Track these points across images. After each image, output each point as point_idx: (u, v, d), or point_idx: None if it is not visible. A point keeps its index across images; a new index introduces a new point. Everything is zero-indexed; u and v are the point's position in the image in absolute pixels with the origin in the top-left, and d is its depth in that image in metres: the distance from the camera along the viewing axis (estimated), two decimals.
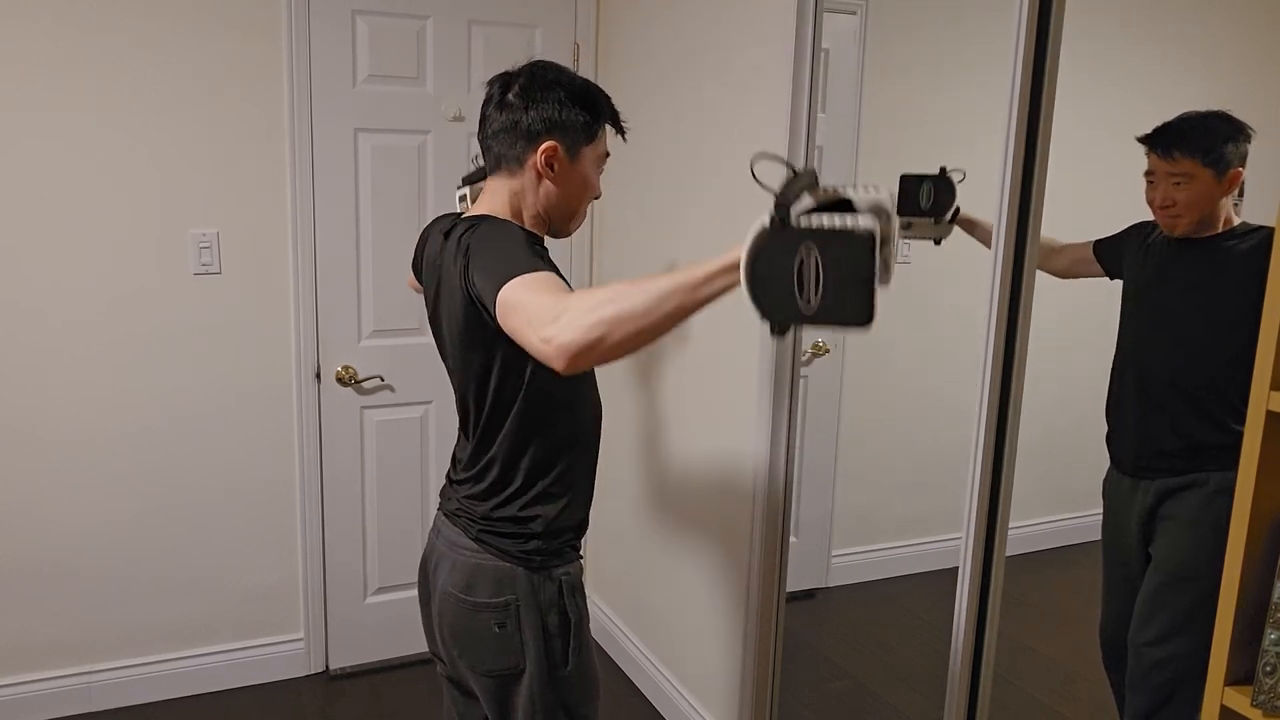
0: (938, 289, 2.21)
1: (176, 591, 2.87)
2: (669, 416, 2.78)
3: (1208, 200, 1.58)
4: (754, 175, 1.26)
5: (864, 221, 1.10)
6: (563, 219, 1.66)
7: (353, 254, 2.87)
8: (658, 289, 1.20)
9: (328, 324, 2.88)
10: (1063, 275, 1.78)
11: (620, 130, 1.67)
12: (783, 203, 1.13)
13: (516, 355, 1.53)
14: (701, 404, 2.61)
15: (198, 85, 2.66)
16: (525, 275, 1.35)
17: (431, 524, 1.79)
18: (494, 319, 1.40)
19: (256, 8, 2.67)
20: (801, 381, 2.32)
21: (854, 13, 2.29)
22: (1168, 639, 1.70)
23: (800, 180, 1.18)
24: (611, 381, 3.10)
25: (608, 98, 1.65)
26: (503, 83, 1.62)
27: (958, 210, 1.91)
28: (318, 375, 2.90)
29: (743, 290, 1.17)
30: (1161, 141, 1.60)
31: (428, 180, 2.93)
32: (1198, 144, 1.56)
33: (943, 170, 1.94)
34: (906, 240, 1.98)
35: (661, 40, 2.72)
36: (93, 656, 2.81)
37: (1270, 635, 1.11)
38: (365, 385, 2.94)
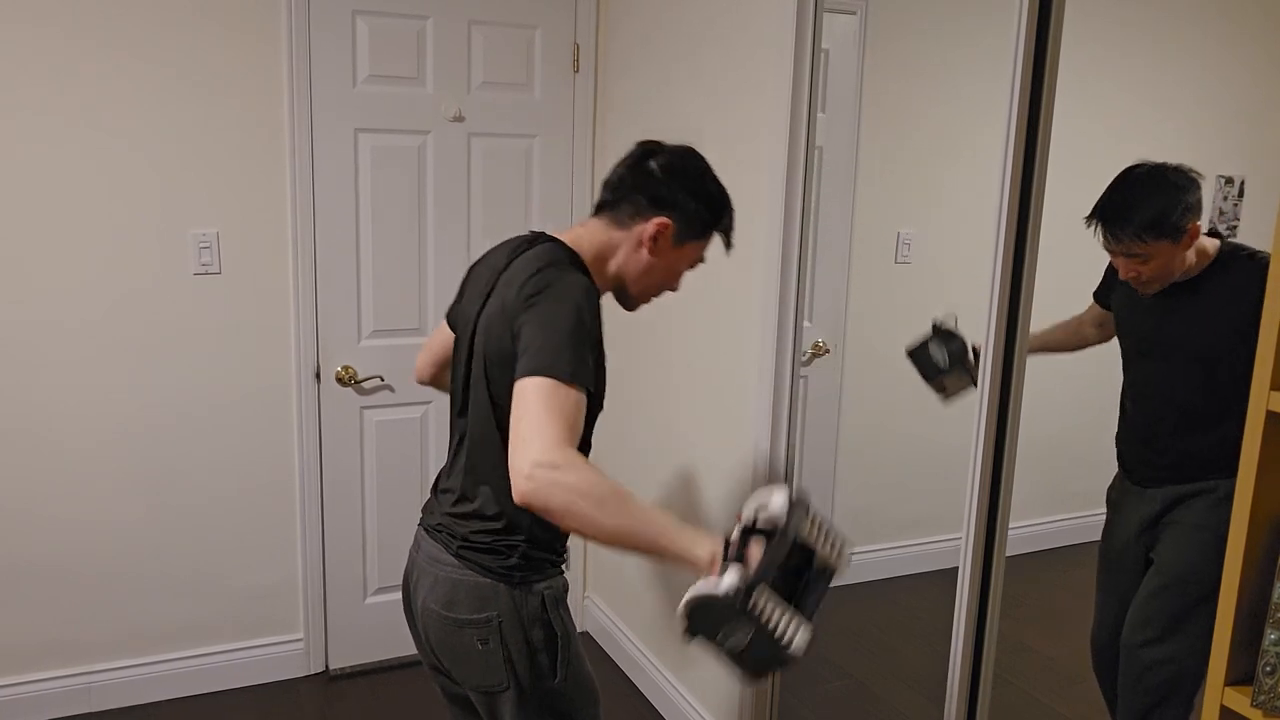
0: (938, 289, 2.21)
1: (176, 591, 2.87)
2: (669, 416, 2.78)
3: (1173, 263, 1.57)
4: (743, 526, 1.39)
5: (800, 641, 1.27)
6: (637, 293, 1.67)
7: (352, 254, 2.87)
8: (630, 527, 1.32)
9: (327, 324, 2.88)
10: (1101, 341, 1.77)
11: (728, 244, 1.69)
12: (756, 580, 1.28)
13: None
14: (702, 404, 2.61)
15: (197, 86, 2.66)
16: (560, 385, 1.37)
17: (413, 540, 1.77)
18: (512, 358, 1.45)
19: (256, 8, 2.67)
20: (801, 381, 2.32)
21: (854, 13, 2.29)
22: (1164, 640, 1.70)
23: (781, 545, 1.33)
24: (612, 381, 3.10)
25: (732, 210, 1.67)
26: (649, 150, 1.64)
27: (975, 350, 1.89)
28: (317, 375, 2.90)
29: (681, 603, 1.32)
30: (1108, 226, 1.58)
31: (427, 180, 2.93)
32: (1143, 222, 1.54)
33: (935, 325, 1.95)
34: (950, 397, 1.98)
35: (661, 40, 2.72)
36: (93, 656, 2.81)
37: (1270, 635, 1.11)
38: (365, 385, 2.94)
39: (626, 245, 1.62)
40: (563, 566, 1.70)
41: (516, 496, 1.33)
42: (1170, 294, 1.62)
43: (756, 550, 1.34)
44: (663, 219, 1.59)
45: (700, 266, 1.72)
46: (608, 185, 1.65)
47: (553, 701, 1.63)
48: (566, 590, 1.69)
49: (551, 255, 1.56)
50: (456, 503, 1.64)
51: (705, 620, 1.30)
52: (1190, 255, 1.56)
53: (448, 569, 1.63)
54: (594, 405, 1.52)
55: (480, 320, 1.60)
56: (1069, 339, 1.81)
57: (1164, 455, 1.69)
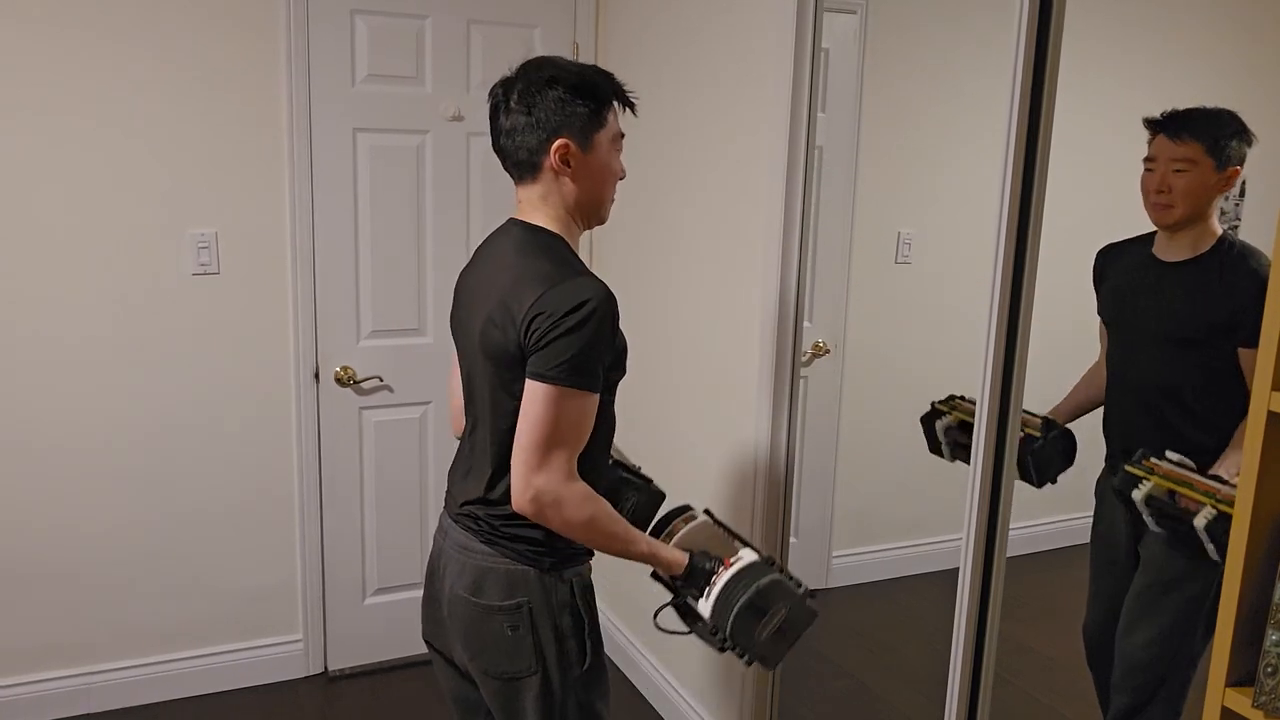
0: (938, 289, 2.20)
1: (176, 593, 2.87)
2: (669, 417, 2.77)
3: (1202, 191, 1.58)
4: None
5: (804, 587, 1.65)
6: (592, 209, 1.65)
7: (351, 254, 2.87)
8: (613, 548, 1.64)
9: (326, 324, 2.88)
10: None
11: (628, 105, 1.63)
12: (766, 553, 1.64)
13: None
14: (702, 404, 2.60)
15: (196, 85, 2.65)
16: (570, 392, 1.48)
17: (437, 525, 1.77)
18: (523, 364, 1.50)
19: (255, 7, 2.67)
20: (801, 382, 2.32)
21: (854, 13, 2.29)
22: (1154, 640, 1.71)
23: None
24: None
25: (608, 76, 1.60)
26: (502, 91, 1.60)
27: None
28: (316, 376, 2.89)
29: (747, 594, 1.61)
30: (1170, 125, 1.59)
31: (426, 180, 2.93)
32: (1205, 131, 1.55)
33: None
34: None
35: (661, 40, 2.72)
36: (93, 657, 2.81)
37: (1271, 636, 1.11)
38: (364, 386, 2.94)
39: (552, 186, 1.59)
40: (590, 553, 1.70)
41: (515, 505, 1.52)
42: (1164, 270, 1.63)
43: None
44: (558, 143, 1.56)
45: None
46: (498, 151, 1.63)
47: (576, 689, 1.64)
48: (590, 573, 1.71)
49: (557, 277, 1.52)
50: (485, 492, 1.63)
51: (767, 596, 1.58)
52: (1211, 214, 1.57)
53: (477, 556, 1.63)
54: (617, 375, 1.62)
55: (490, 318, 1.57)
56: (1100, 377, 1.80)
57: (1146, 442, 1.70)
